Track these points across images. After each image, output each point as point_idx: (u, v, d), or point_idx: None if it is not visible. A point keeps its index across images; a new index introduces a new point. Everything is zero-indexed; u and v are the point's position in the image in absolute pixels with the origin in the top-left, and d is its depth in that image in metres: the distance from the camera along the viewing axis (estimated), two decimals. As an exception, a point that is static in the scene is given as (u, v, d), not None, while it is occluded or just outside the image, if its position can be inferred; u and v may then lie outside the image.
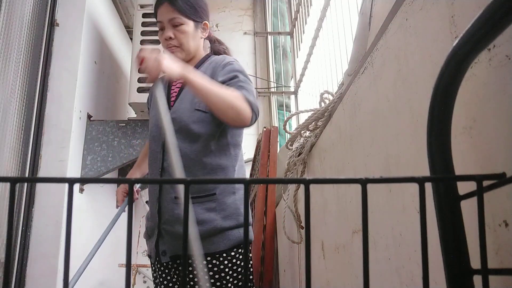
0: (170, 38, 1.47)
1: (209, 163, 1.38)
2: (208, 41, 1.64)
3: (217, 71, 1.43)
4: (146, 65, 1.23)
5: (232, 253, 1.35)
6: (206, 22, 1.54)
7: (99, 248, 1.40)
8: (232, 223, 1.36)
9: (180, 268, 1.41)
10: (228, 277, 1.33)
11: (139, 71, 1.26)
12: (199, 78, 1.25)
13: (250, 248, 1.43)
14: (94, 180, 0.42)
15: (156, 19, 1.51)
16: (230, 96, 1.27)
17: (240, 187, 1.42)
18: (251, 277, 1.41)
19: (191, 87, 1.26)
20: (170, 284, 1.43)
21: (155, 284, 1.49)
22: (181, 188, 1.39)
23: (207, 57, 1.54)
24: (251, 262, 1.44)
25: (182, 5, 1.46)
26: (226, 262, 1.33)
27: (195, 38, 1.50)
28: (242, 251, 1.37)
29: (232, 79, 1.37)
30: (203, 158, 1.38)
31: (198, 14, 1.50)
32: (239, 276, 1.35)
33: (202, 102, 1.32)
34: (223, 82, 1.37)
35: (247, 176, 3.09)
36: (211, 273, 1.33)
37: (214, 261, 1.33)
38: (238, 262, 1.36)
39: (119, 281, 3.27)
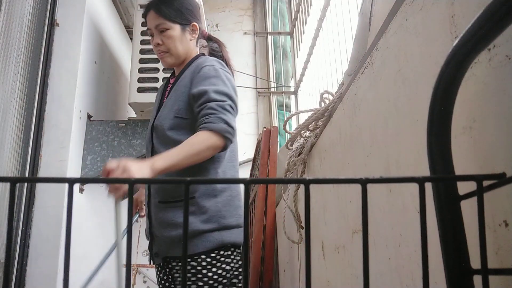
0: (159, 44, 1.49)
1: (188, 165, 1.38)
2: (205, 40, 1.65)
3: (193, 76, 1.44)
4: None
5: (212, 255, 1.34)
6: (194, 23, 1.53)
7: (110, 254, 1.42)
8: (213, 226, 1.35)
9: (174, 268, 1.42)
10: (206, 279, 1.32)
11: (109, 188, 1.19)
12: (167, 159, 1.23)
13: (234, 250, 1.42)
14: (94, 180, 0.42)
15: (146, 26, 1.52)
16: (198, 144, 1.27)
17: (224, 190, 1.40)
18: (234, 280, 1.38)
19: (169, 171, 1.25)
20: (167, 284, 1.46)
21: (157, 283, 1.52)
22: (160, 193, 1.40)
23: (195, 58, 1.54)
24: (239, 263, 1.42)
25: (166, 10, 1.47)
26: (204, 263, 1.33)
27: (182, 41, 1.50)
28: (224, 253, 1.36)
29: (200, 99, 1.36)
30: None
31: (184, 17, 1.50)
32: (219, 279, 1.34)
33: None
34: (193, 97, 1.38)
35: (242, 176, 3.09)
36: (189, 274, 1.32)
37: (192, 263, 1.33)
38: (218, 264, 1.34)
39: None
